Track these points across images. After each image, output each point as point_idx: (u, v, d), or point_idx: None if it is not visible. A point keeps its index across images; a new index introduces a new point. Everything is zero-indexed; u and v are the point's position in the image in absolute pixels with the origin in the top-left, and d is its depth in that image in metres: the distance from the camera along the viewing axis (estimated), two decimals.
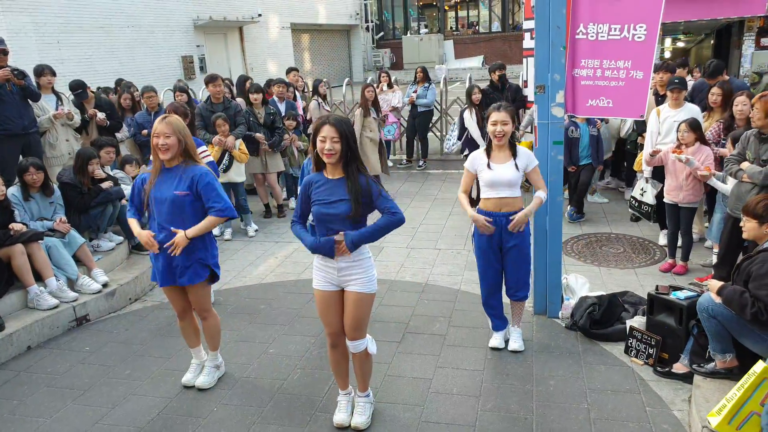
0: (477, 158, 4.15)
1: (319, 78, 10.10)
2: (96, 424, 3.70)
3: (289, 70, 10.22)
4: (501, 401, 3.75)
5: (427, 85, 9.95)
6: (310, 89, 10.04)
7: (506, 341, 4.40)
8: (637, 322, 4.28)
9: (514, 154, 4.06)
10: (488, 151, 4.13)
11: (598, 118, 7.21)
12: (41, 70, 6.74)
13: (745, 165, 4.54)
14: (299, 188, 3.51)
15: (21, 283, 4.95)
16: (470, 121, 8.11)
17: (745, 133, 4.75)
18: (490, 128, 4.04)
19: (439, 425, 3.55)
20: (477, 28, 29.32)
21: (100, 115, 7.13)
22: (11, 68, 5.98)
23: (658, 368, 3.98)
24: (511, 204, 4.07)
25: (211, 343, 4.09)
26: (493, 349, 4.35)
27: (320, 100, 9.20)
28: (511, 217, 4.02)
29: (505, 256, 4.19)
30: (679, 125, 5.47)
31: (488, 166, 4.07)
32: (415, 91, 9.91)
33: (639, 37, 4.27)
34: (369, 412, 3.62)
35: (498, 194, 4.05)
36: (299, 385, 4.03)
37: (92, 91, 7.69)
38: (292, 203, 8.41)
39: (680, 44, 17.60)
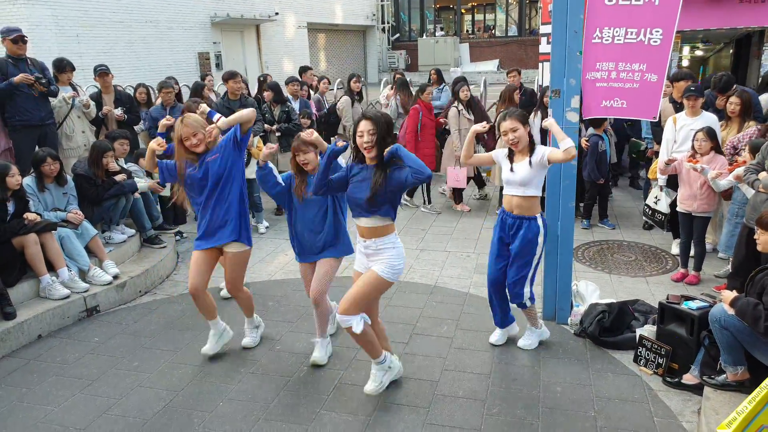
0: (502, 154, 4.24)
1: (354, 72, 9.56)
2: (103, 414, 3.73)
3: (304, 69, 10.24)
4: (507, 406, 3.73)
5: (441, 86, 9.93)
6: (327, 87, 9.95)
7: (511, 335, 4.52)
8: (647, 331, 4.24)
9: (532, 153, 4.07)
10: (510, 156, 4.18)
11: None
12: (63, 67, 6.77)
13: (762, 175, 4.50)
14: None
15: (33, 272, 4.99)
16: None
17: (766, 143, 4.71)
18: (504, 138, 4.09)
19: (444, 428, 3.54)
20: (493, 31, 29.23)
21: (117, 112, 7.18)
22: (36, 76, 6.02)
23: (668, 378, 3.94)
24: (523, 206, 4.09)
25: (247, 311, 4.52)
26: (492, 345, 4.45)
27: (356, 96, 8.77)
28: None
29: (505, 250, 4.25)
30: (695, 134, 5.42)
31: (510, 169, 4.13)
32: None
33: (655, 41, 4.29)
34: (379, 379, 3.81)
35: (511, 192, 4.14)
36: (305, 383, 4.03)
37: (116, 86, 7.74)
38: None
39: (698, 53, 17.44)
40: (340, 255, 4.22)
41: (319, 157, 3.92)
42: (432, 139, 8.04)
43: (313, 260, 4.22)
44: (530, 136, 4.12)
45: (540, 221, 4.14)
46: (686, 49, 16.75)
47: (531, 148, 4.08)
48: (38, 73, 6.10)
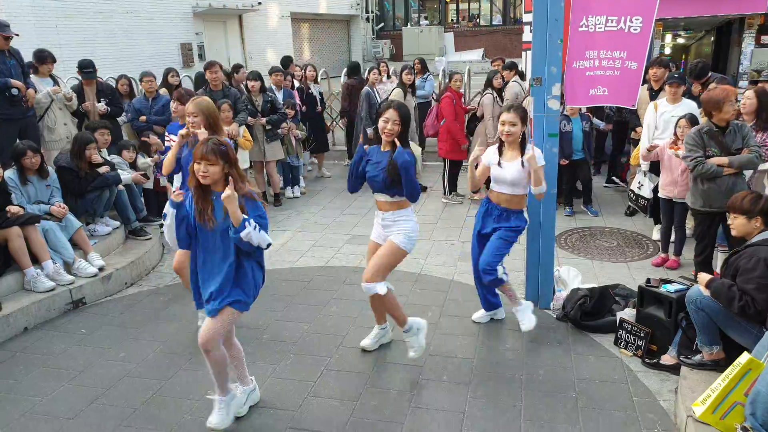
0: (490, 153, 4.33)
1: (407, 64, 8.94)
2: (92, 404, 3.75)
3: (285, 61, 10.17)
4: (491, 389, 3.81)
5: (425, 76, 9.96)
6: (313, 74, 9.86)
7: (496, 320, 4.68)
8: (628, 314, 4.34)
9: (523, 153, 4.16)
10: (500, 149, 4.28)
11: (589, 113, 7.28)
12: (44, 58, 6.69)
13: (722, 160, 4.62)
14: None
15: (18, 265, 4.98)
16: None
17: (690, 135, 4.81)
18: (499, 128, 4.20)
19: (429, 410, 3.61)
20: (478, 20, 29.22)
21: (101, 106, 7.11)
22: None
23: (647, 360, 4.04)
24: (512, 201, 4.25)
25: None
26: (474, 322, 4.65)
27: (408, 89, 8.38)
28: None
29: (485, 240, 4.35)
30: (678, 120, 5.49)
31: (498, 164, 4.24)
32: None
33: (635, 29, 4.35)
34: (417, 343, 4.02)
35: (500, 189, 4.26)
36: (292, 369, 4.07)
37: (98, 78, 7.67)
38: (289, 192, 8.43)
39: (680, 41, 17.59)
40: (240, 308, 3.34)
41: (222, 170, 3.14)
42: (463, 128, 8.10)
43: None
44: (523, 135, 4.21)
45: (525, 215, 4.35)
46: (668, 37, 16.89)
47: (522, 147, 4.17)
48: (14, 73, 6.05)
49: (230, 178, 3.09)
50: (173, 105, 5.77)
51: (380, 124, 3.78)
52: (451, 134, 7.80)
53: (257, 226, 3.11)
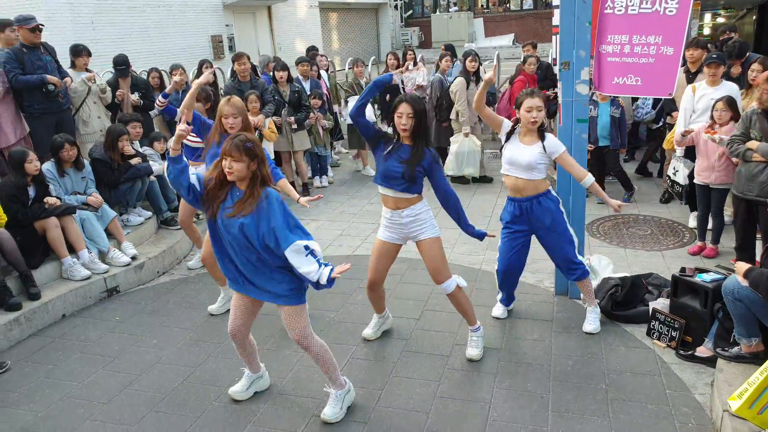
0: (507, 127, 4.14)
1: (470, 50, 8.33)
2: (125, 389, 3.84)
3: (309, 51, 10.17)
4: (518, 379, 3.76)
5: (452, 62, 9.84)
6: (325, 63, 9.82)
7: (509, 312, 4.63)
8: (661, 304, 4.23)
9: (542, 139, 4.02)
10: (513, 128, 4.13)
11: (621, 99, 7.03)
12: (79, 51, 6.86)
13: (753, 144, 4.45)
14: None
15: (56, 254, 5.11)
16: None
17: (746, 112, 4.66)
18: (525, 114, 3.96)
19: (455, 401, 3.59)
20: (508, 5, 28.74)
21: (134, 97, 7.24)
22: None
23: (681, 351, 3.93)
24: (529, 187, 4.06)
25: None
26: (496, 318, 4.55)
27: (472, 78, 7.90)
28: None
29: (540, 241, 4.23)
30: (715, 103, 5.31)
31: (508, 139, 4.11)
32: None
33: (670, 11, 4.12)
34: (481, 344, 4.03)
35: (514, 173, 4.06)
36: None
37: (132, 71, 7.80)
38: (317, 182, 8.46)
39: (720, 20, 17.00)
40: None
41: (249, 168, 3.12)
42: None
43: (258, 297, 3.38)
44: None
45: (553, 193, 4.16)
46: (708, 16, 16.34)
47: (541, 134, 4.04)
48: (49, 69, 6.18)
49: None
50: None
51: (395, 120, 3.68)
52: (509, 113, 7.64)
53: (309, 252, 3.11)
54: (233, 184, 3.16)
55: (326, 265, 3.11)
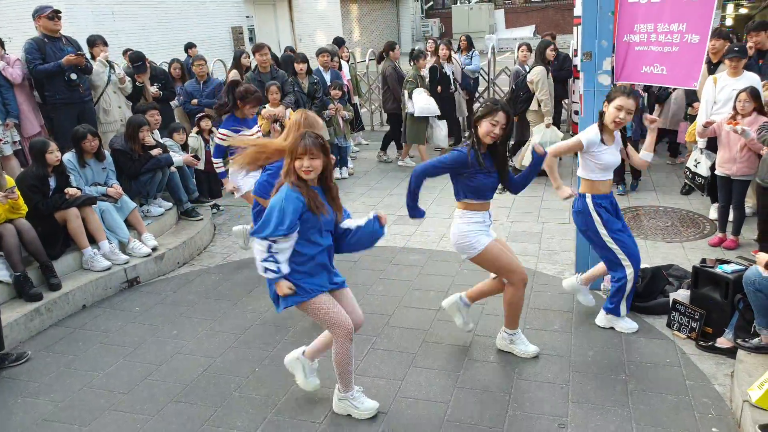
0: (595, 134, 3.96)
1: (548, 39, 8.15)
2: (145, 380, 3.89)
3: (335, 42, 10.19)
4: (537, 370, 3.76)
5: (470, 53, 9.79)
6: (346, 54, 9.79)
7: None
8: (681, 295, 4.19)
9: (620, 137, 4.06)
10: (601, 131, 3.98)
11: (642, 89, 6.91)
12: (94, 41, 6.96)
13: None
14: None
15: (76, 245, 5.19)
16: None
17: None
18: (613, 112, 3.83)
19: (474, 391, 3.59)
20: None
21: (153, 88, 7.31)
22: (78, 53, 6.20)
23: (701, 342, 3.89)
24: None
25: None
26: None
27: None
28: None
29: (627, 231, 4.18)
30: (738, 94, 5.22)
31: (602, 141, 3.95)
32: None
33: None
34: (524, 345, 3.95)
35: (609, 176, 4.06)
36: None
37: (150, 62, 7.87)
38: (337, 173, 8.46)
39: (743, 11, 16.67)
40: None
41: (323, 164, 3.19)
42: None
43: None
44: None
45: None
46: (730, 7, 16.03)
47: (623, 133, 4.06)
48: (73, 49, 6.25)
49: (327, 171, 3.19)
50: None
51: (486, 126, 3.47)
52: None
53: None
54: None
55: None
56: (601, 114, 3.95)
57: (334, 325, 3.24)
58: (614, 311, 4.14)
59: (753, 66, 6.19)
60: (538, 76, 7.38)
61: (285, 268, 3.13)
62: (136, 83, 7.17)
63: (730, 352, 3.70)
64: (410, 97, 8.18)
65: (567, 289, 4.45)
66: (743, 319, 3.70)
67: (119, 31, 13.60)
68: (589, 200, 4.02)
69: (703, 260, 4.12)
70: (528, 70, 7.74)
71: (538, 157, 3.67)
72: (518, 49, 8.53)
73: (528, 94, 7.52)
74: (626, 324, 4.15)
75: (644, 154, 4.15)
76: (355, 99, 9.74)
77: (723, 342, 3.79)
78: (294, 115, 4.12)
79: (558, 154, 4.14)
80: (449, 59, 9.05)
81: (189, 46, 10.91)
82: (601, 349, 3.94)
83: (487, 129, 3.47)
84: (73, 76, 6.17)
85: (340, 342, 3.26)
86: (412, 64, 8.41)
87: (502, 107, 3.47)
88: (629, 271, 4.02)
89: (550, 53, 7.60)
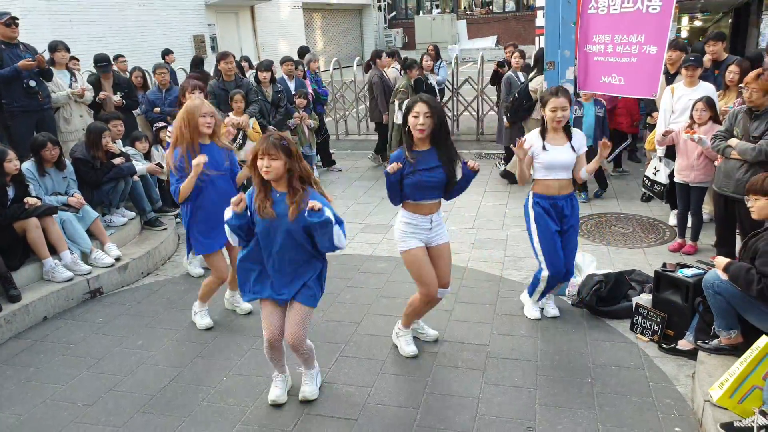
0: (534, 139, 4.16)
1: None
2: (110, 391, 3.80)
3: (302, 51, 10.18)
4: (506, 374, 3.80)
5: (438, 63, 9.90)
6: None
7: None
8: (644, 299, 4.30)
9: (569, 137, 4.13)
10: (543, 134, 4.16)
11: (603, 99, 7.12)
12: (55, 46, 6.81)
13: (733, 142, 4.55)
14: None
15: (36, 255, 5.04)
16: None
17: (732, 110, 4.78)
18: (549, 114, 4.03)
19: (443, 396, 3.61)
20: (491, 7, 29.00)
21: (116, 97, 7.19)
22: (38, 56, 6.07)
23: (663, 345, 4.00)
24: (568, 186, 4.20)
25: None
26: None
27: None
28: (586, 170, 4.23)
29: (563, 237, 4.26)
30: (695, 103, 5.41)
31: (544, 147, 4.11)
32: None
33: (654, 9, 4.15)
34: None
35: (554, 176, 4.14)
36: None
37: (114, 71, 7.73)
38: None
39: (697, 23, 17.30)
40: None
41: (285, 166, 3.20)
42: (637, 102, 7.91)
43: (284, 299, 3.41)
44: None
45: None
46: (685, 20, 16.63)
47: (567, 131, 4.14)
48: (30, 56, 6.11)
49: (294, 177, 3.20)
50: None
51: (410, 120, 3.53)
52: (627, 109, 7.82)
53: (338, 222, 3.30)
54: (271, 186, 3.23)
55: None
56: (543, 119, 4.13)
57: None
58: (529, 292, 4.49)
59: (709, 77, 6.43)
60: (540, 85, 7.37)
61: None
62: (96, 99, 7.02)
63: (691, 354, 3.82)
64: (400, 107, 8.23)
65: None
66: (703, 321, 3.82)
67: (77, 39, 13.32)
68: (530, 197, 4.25)
69: (664, 265, 4.24)
70: (525, 78, 7.95)
71: (469, 173, 3.68)
72: (512, 56, 8.61)
73: (531, 102, 7.63)
74: (531, 311, 4.46)
75: (583, 173, 4.23)
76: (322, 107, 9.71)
77: (684, 344, 3.90)
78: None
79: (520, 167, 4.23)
80: (432, 70, 9.25)
81: (166, 53, 11.00)
82: (567, 353, 4.01)
83: (411, 122, 3.54)
84: (32, 83, 6.03)
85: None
86: (402, 73, 8.47)
87: (420, 98, 3.54)
88: (544, 274, 4.25)
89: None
